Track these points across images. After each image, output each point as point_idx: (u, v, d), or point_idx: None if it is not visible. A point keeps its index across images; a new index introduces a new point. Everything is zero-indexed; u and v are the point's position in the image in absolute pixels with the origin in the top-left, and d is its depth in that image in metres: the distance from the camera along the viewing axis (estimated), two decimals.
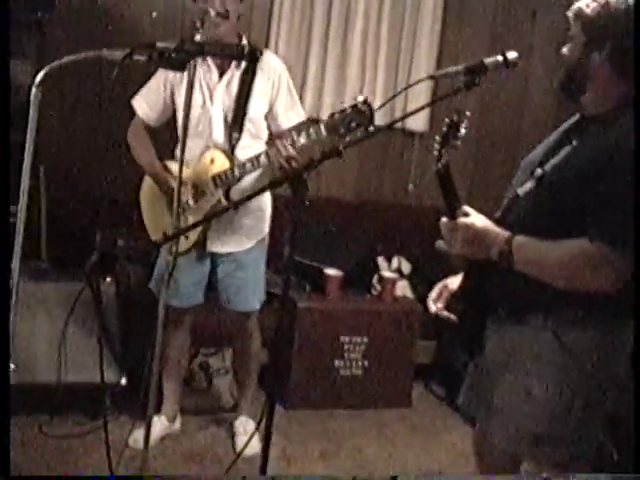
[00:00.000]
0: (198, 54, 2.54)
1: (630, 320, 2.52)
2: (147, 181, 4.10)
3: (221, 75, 3.93)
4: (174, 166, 3.91)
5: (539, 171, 2.57)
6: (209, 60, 3.92)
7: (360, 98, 3.41)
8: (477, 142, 6.09)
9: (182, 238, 3.83)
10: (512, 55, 2.62)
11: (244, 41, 3.96)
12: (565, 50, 2.62)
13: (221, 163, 3.84)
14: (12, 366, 2.55)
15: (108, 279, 4.52)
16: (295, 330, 4.71)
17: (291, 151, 3.61)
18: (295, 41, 5.62)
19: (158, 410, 4.23)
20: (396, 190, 6.08)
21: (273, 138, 4.01)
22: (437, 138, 2.52)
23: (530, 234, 2.47)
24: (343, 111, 3.41)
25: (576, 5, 2.59)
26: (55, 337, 4.20)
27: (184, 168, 3.73)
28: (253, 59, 3.84)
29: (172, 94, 3.99)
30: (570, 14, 2.61)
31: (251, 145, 3.94)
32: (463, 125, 2.49)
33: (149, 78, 4.02)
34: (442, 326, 4.21)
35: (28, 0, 4.79)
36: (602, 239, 2.32)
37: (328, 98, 5.74)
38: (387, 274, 5.12)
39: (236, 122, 3.90)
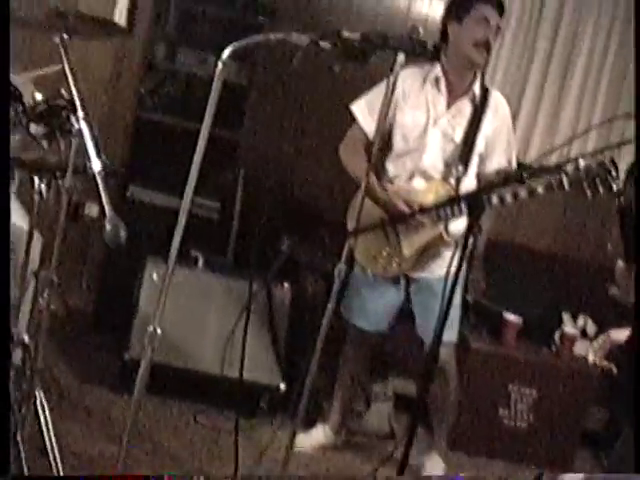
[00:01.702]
0: (382, 46, 2.49)
1: None
2: (358, 197, 3.85)
3: (449, 105, 3.87)
4: (389, 187, 3.86)
5: None
6: (442, 85, 3.86)
7: (608, 157, 3.24)
8: None
9: (394, 264, 3.85)
10: None
11: (479, 78, 3.90)
12: None
13: (445, 195, 3.78)
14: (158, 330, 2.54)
15: (285, 285, 4.56)
16: (464, 370, 4.57)
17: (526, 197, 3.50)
18: (511, 80, 5.55)
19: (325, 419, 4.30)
20: (594, 247, 5.84)
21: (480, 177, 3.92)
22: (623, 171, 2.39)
23: None
24: (588, 167, 3.22)
25: None
26: (225, 331, 4.25)
27: (390, 185, 3.87)
28: (483, 98, 3.86)
29: (395, 108, 3.90)
30: None
31: (471, 181, 3.86)
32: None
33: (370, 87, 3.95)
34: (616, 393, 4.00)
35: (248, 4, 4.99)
36: None
37: (536, 141, 5.64)
38: (569, 330, 4.91)
39: (462, 157, 3.82)
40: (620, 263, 2.44)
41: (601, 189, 3.16)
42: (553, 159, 5.52)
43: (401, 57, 3.49)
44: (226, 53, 2.52)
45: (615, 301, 2.54)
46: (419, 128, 3.86)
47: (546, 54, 5.62)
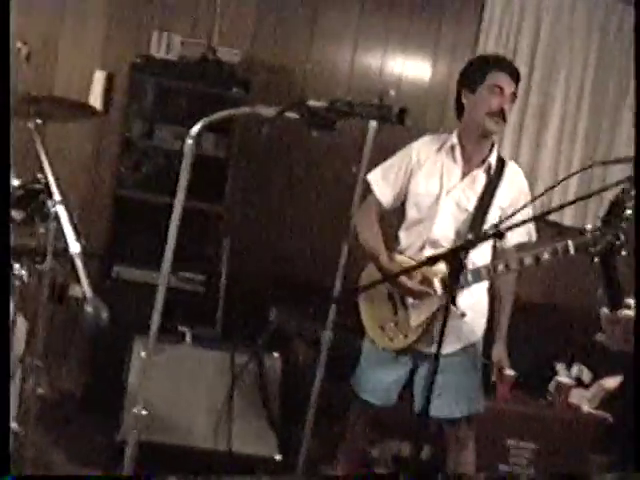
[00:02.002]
0: (348, 114, 2.51)
1: None
2: (369, 269, 3.93)
3: (464, 175, 3.80)
4: (399, 258, 3.81)
5: None
6: (458, 154, 3.80)
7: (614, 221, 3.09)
8: None
9: (400, 336, 3.76)
10: None
11: (495, 149, 3.86)
12: None
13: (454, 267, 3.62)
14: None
15: (275, 354, 4.53)
16: None
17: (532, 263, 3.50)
18: None
19: None
20: (586, 295, 5.81)
21: (501, 250, 3.84)
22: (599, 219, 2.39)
23: None
24: (595, 231, 3.17)
25: None
26: (217, 405, 4.22)
27: (403, 257, 3.80)
28: (499, 169, 3.79)
29: (409, 177, 3.85)
30: None
31: (482, 252, 3.74)
32: (628, 204, 2.34)
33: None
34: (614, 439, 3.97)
35: (224, 75, 5.02)
36: None
37: None
38: (564, 380, 4.89)
39: (474, 226, 3.70)
40: (605, 310, 2.42)
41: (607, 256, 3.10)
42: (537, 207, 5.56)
43: (373, 124, 3.55)
44: (195, 129, 2.55)
45: (606, 348, 2.51)
46: (432, 197, 3.78)
47: (522, 102, 5.67)
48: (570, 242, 3.31)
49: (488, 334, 3.95)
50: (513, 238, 3.73)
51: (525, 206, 3.50)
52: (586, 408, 4.70)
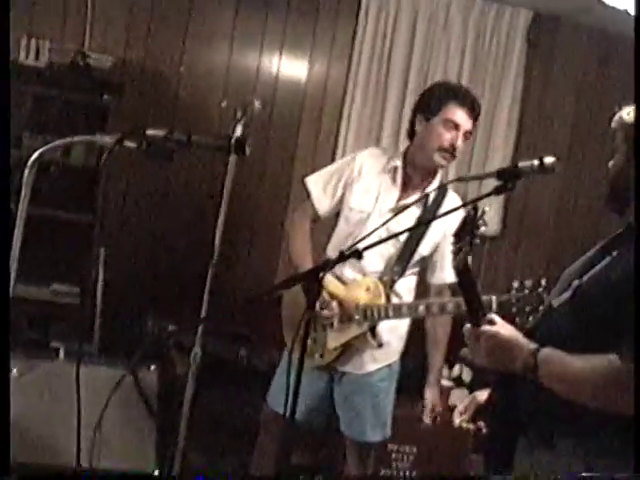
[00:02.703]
0: (186, 144, 2.46)
1: None
2: (293, 291, 3.77)
3: (401, 197, 3.68)
4: (330, 282, 3.64)
5: (576, 282, 2.41)
6: (399, 176, 3.68)
7: (543, 282, 2.97)
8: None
9: (316, 355, 3.66)
10: (549, 160, 2.49)
11: (438, 177, 3.75)
12: (610, 164, 2.48)
13: (376, 296, 3.57)
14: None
15: (152, 367, 4.46)
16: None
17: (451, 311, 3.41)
18: (365, 138, 5.57)
19: None
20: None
21: (428, 287, 3.78)
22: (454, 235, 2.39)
23: (561, 347, 2.28)
24: (520, 291, 2.83)
25: (617, 115, 2.45)
26: (91, 421, 4.13)
27: (340, 285, 3.67)
28: (439, 199, 3.66)
29: (347, 188, 3.73)
30: (613, 125, 2.47)
31: (408, 282, 3.71)
32: (481, 222, 2.35)
33: None
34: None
35: (95, 82, 4.89)
36: (630, 358, 2.13)
37: None
38: (442, 382, 4.92)
39: (403, 257, 3.62)
40: (467, 326, 2.44)
41: (530, 318, 2.99)
42: None
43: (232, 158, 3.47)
44: (33, 157, 2.46)
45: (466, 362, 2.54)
46: (363, 214, 3.68)
47: (397, 108, 5.70)
48: (493, 300, 3.13)
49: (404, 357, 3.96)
50: (446, 274, 3.61)
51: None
52: (457, 422, 4.75)
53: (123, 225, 5.29)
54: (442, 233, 3.61)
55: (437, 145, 3.57)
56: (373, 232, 2.86)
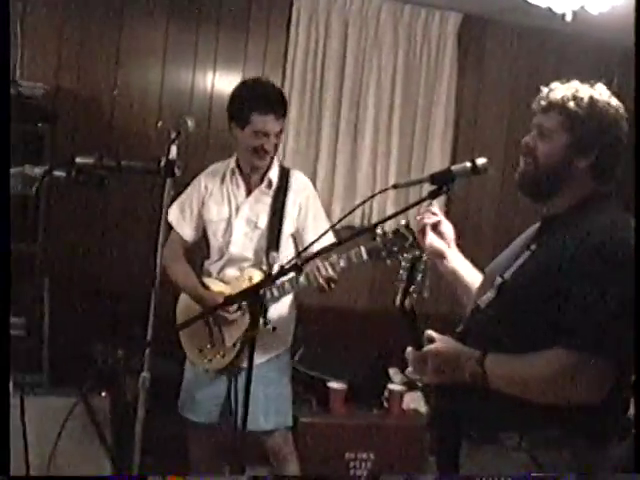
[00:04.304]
0: (115, 171, 2.46)
1: (613, 436, 2.35)
2: (183, 297, 4.05)
3: (249, 192, 3.95)
4: (213, 284, 3.93)
5: (499, 279, 2.43)
6: (238, 177, 3.95)
7: (402, 222, 3.37)
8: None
9: (218, 356, 3.88)
10: (481, 161, 2.53)
11: (276, 161, 3.99)
12: (532, 142, 2.44)
13: (265, 278, 3.75)
14: None
15: (103, 394, 4.43)
16: (297, 446, 4.52)
17: (332, 273, 3.55)
18: (304, 148, 5.58)
19: None
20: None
21: (307, 259, 3.87)
22: (403, 276, 2.40)
23: (496, 348, 2.31)
24: (385, 235, 3.36)
25: (556, 93, 2.42)
26: (43, 453, 4.10)
27: (221, 284, 3.92)
28: (284, 181, 3.92)
29: (203, 207, 4.00)
30: (542, 102, 2.43)
31: (288, 258, 3.81)
32: (420, 267, 2.37)
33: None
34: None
35: (29, 110, 4.84)
36: (580, 348, 2.17)
37: (337, 204, 5.70)
38: (394, 387, 4.96)
39: (272, 242, 3.85)
40: (409, 349, 2.45)
41: (399, 256, 3.31)
42: (356, 220, 5.61)
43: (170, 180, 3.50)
44: None
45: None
46: (224, 222, 3.95)
47: (335, 115, 5.71)
48: (363, 248, 3.45)
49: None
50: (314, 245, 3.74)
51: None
52: (424, 410, 4.76)
53: (66, 253, 5.24)
54: (297, 208, 3.93)
55: (252, 150, 3.81)
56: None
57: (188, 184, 4.07)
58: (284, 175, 3.96)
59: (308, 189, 4.01)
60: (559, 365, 2.21)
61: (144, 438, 3.48)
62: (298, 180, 4.00)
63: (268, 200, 3.93)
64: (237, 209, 3.94)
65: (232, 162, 3.99)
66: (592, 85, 2.43)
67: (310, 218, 3.94)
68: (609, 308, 2.16)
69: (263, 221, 3.90)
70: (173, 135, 3.28)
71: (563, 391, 2.23)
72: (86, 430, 4.32)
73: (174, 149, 3.22)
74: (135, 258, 5.18)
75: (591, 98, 2.37)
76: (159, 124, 5.18)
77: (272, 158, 3.95)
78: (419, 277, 2.39)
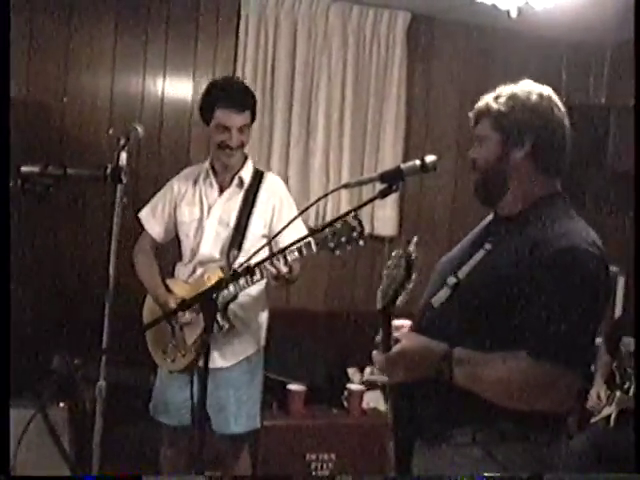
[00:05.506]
0: (62, 179, 2.44)
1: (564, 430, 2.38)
2: (149, 299, 4.06)
3: (221, 192, 3.98)
4: (175, 285, 3.96)
5: (452, 279, 2.44)
6: (212, 178, 3.98)
7: (352, 213, 3.28)
8: None
9: (179, 354, 3.87)
10: (430, 159, 2.56)
11: (249, 162, 4.02)
12: (475, 154, 2.51)
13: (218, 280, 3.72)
14: None
15: (62, 404, 4.40)
16: (258, 449, 4.53)
17: (282, 268, 3.56)
18: (256, 149, 5.55)
19: None
20: (368, 297, 5.91)
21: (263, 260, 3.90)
22: (396, 275, 2.39)
23: (453, 344, 2.32)
24: (332, 226, 3.36)
25: (481, 102, 2.50)
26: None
27: (184, 285, 3.94)
28: (256, 181, 3.96)
29: (175, 209, 4.04)
30: (472, 115, 2.52)
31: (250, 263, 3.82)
32: (413, 272, 2.37)
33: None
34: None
35: None
36: (545, 358, 2.19)
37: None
38: (353, 387, 4.96)
39: (235, 240, 3.88)
40: (375, 353, 2.47)
41: (347, 246, 3.36)
42: (311, 219, 5.61)
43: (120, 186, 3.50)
44: None
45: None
46: (196, 222, 3.97)
47: (285, 118, 5.72)
48: (311, 240, 3.48)
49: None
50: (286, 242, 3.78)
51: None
52: (384, 408, 4.77)
53: (18, 264, 5.19)
54: (270, 209, 3.95)
55: (217, 145, 3.88)
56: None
57: (158, 190, 4.13)
58: (257, 176, 3.99)
59: (282, 190, 4.05)
60: (524, 373, 2.23)
61: (102, 446, 3.47)
62: (271, 182, 4.04)
63: (239, 199, 3.95)
64: (209, 209, 3.96)
65: (207, 163, 4.04)
66: (516, 82, 2.50)
67: (284, 221, 3.88)
68: (570, 320, 2.19)
69: (233, 220, 3.92)
70: (122, 142, 3.27)
71: (527, 399, 2.25)
72: (44, 441, 4.29)
73: (124, 156, 3.21)
74: (91, 264, 5.14)
75: (512, 93, 2.46)
76: (110, 131, 5.19)
77: (245, 158, 4.00)
78: (414, 276, 2.40)
